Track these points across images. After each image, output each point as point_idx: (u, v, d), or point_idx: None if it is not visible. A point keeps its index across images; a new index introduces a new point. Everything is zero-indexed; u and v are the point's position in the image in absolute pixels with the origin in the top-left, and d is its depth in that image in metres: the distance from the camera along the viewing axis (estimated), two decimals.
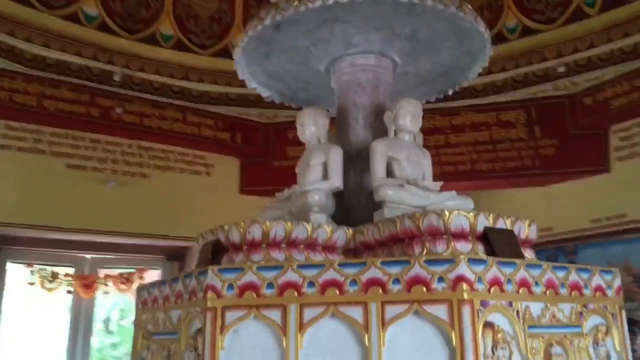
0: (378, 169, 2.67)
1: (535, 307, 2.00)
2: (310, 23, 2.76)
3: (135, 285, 6.44)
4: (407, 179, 2.64)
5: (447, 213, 2.15)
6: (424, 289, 1.87)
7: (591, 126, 6.44)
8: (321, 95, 3.38)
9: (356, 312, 1.90)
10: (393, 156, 2.70)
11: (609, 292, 2.22)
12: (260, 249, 2.32)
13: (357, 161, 2.85)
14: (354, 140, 2.91)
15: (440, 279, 1.86)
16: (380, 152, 2.69)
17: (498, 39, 6.38)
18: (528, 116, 6.68)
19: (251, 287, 2.00)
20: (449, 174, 6.73)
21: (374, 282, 1.91)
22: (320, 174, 2.75)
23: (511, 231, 2.25)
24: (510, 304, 1.94)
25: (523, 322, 1.95)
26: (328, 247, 2.42)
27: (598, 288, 2.19)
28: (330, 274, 1.95)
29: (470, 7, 2.73)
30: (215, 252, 2.40)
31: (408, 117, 2.75)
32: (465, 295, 1.83)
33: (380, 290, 1.90)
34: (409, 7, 2.63)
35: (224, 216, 6.65)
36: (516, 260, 2.01)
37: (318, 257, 2.37)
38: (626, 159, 6.23)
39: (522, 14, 6.46)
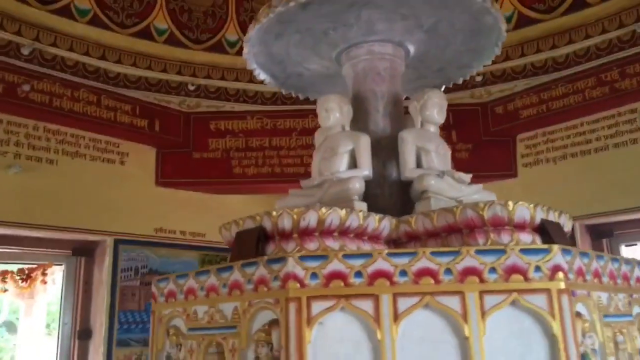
0: (409, 158, 2.63)
1: (604, 297, 2.07)
2: (339, 4, 2.66)
3: (37, 283, 5.82)
4: (436, 170, 2.63)
5: (510, 204, 2.17)
6: (522, 278, 1.86)
7: (501, 133, 6.87)
8: (315, 82, 3.28)
9: (453, 302, 1.85)
10: (422, 147, 2.67)
11: None
12: (314, 237, 2.18)
13: (377, 150, 2.78)
14: (373, 129, 2.84)
15: (537, 269, 1.86)
16: (410, 142, 2.65)
17: None
18: (447, 121, 6.96)
19: (338, 275, 1.86)
20: None
21: (470, 272, 1.86)
22: (347, 162, 2.65)
23: (559, 223, 2.32)
24: (589, 294, 1.99)
25: (598, 311, 2.01)
26: (374, 237, 2.34)
27: (638, 279, 2.32)
28: (423, 263, 1.88)
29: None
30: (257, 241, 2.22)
31: (436, 109, 2.75)
32: (563, 285, 1.85)
33: (477, 280, 1.86)
34: None
35: (138, 208, 6.28)
36: (589, 251, 2.07)
37: (367, 247, 2.28)
38: (531, 166, 6.72)
39: None
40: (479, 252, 1.89)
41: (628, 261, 2.30)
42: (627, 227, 6.22)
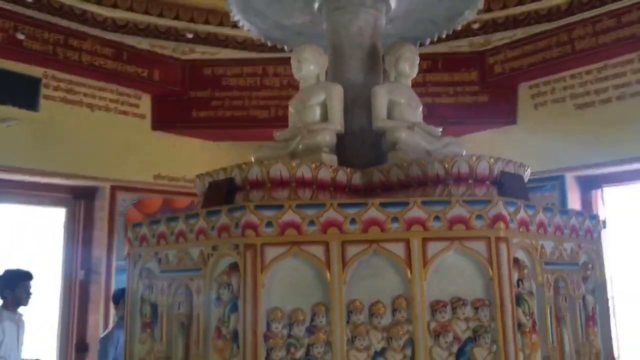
0: (381, 110, 2.72)
1: (548, 246, 2.24)
2: None
3: None
4: (407, 122, 2.72)
5: (474, 158, 2.27)
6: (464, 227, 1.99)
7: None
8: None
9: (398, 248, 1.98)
10: (394, 100, 2.75)
11: None
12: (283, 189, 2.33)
13: (354, 103, 2.84)
14: (352, 82, 2.89)
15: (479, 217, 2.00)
16: (382, 95, 2.73)
17: None
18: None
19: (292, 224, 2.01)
20: None
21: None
22: (319, 114, 2.74)
23: (520, 176, 2.44)
24: (532, 242, 2.15)
25: (540, 258, 2.17)
26: (338, 187, 2.44)
27: (588, 230, 2.45)
28: (372, 213, 2.01)
29: None
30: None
31: (408, 63, 2.81)
32: (502, 233, 1.98)
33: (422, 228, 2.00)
34: None
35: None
36: (534, 204, 2.20)
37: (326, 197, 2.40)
38: (531, 114, 6.71)
39: None
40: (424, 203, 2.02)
41: (578, 213, 2.41)
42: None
